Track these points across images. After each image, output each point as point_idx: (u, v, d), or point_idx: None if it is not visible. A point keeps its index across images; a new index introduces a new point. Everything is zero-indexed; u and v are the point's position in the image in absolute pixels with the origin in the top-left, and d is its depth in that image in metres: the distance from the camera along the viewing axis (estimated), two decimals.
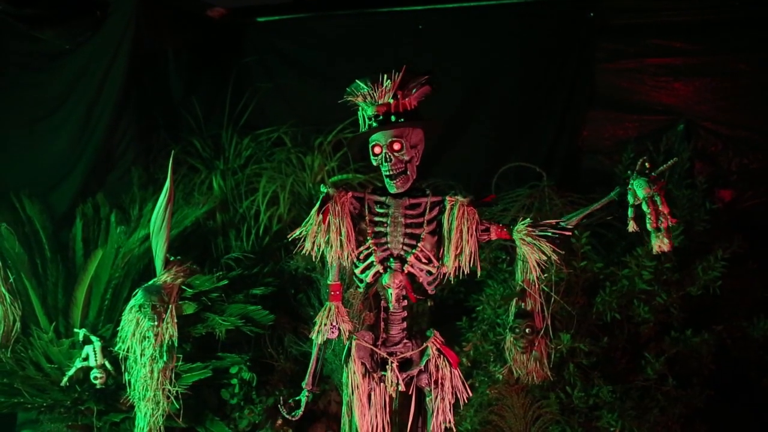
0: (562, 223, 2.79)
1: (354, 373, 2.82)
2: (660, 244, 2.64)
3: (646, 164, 2.68)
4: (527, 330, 2.91)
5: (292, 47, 5.96)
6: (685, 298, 4.04)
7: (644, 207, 2.64)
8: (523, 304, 2.93)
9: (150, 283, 3.22)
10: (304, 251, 2.79)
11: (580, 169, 5.42)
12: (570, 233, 2.79)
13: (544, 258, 2.75)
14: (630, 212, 2.69)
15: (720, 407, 4.00)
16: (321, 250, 2.78)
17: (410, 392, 2.88)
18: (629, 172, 2.71)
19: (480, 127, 5.59)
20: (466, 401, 2.88)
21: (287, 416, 2.94)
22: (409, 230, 2.80)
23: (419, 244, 2.78)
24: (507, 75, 5.52)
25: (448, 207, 2.80)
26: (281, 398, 3.02)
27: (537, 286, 2.87)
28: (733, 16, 5.02)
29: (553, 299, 2.92)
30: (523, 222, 2.80)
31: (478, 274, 2.80)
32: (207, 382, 4.06)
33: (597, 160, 5.38)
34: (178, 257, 3.37)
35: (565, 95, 5.44)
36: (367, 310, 3.84)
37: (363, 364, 2.83)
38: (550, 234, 2.76)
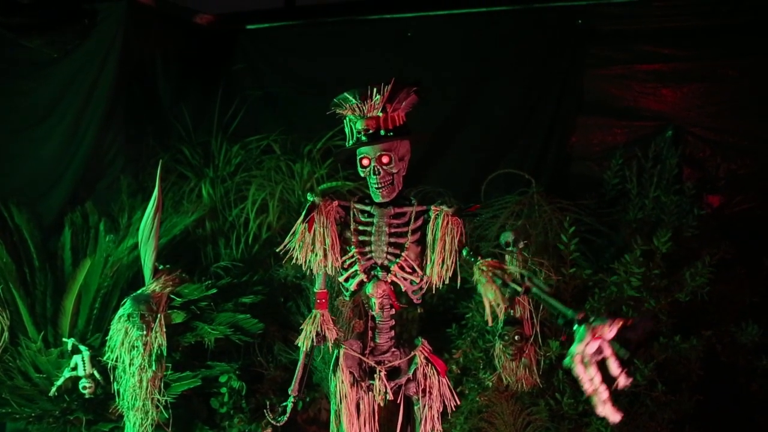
0: (526, 279, 2.64)
1: (342, 382, 2.82)
2: (602, 409, 2.49)
3: (628, 324, 2.39)
4: (516, 337, 2.91)
5: (282, 55, 5.97)
6: (673, 304, 4.04)
7: (574, 368, 2.41)
8: (512, 311, 2.93)
9: (139, 292, 3.22)
10: (293, 261, 2.80)
11: (569, 176, 5.42)
12: (521, 290, 2.63)
13: (490, 299, 2.69)
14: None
15: (709, 412, 4.01)
16: (308, 258, 2.79)
17: (398, 401, 2.88)
18: (592, 318, 2.42)
19: (469, 134, 5.60)
20: (454, 409, 2.89)
21: (272, 421, 2.94)
22: (393, 239, 2.80)
23: (403, 254, 2.78)
24: (496, 82, 5.54)
25: (432, 216, 2.80)
26: (268, 403, 3.01)
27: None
28: (721, 22, 5.05)
29: (542, 306, 2.92)
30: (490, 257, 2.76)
31: (458, 284, 2.76)
32: (196, 391, 4.05)
33: (586, 167, 5.38)
34: (167, 266, 3.38)
35: (554, 102, 5.45)
36: (356, 318, 3.83)
37: (351, 373, 2.83)
38: (500, 284, 2.67)
